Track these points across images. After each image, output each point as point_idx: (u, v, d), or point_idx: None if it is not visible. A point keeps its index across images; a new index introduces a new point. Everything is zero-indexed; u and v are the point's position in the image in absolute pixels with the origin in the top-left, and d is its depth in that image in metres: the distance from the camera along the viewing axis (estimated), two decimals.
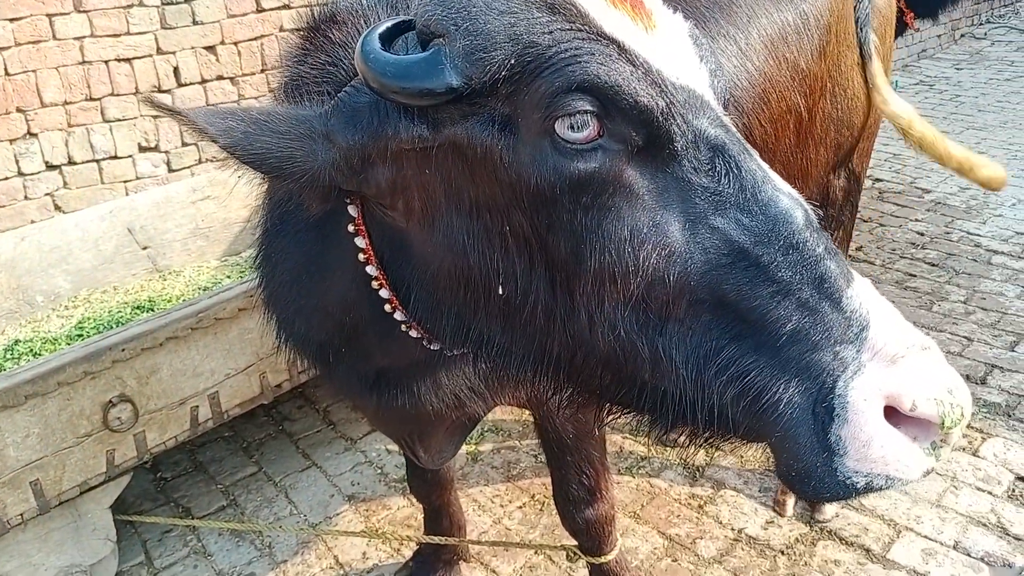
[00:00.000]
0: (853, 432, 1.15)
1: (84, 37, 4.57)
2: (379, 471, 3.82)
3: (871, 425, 1.14)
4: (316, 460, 3.93)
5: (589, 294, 1.29)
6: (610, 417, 1.54)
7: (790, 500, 3.39)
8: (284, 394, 3.69)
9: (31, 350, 3.70)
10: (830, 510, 3.34)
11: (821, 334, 1.19)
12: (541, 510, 3.51)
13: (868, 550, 3.16)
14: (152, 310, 3.92)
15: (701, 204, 1.25)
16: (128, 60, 4.76)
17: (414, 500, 3.59)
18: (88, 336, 3.80)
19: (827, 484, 1.19)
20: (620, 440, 3.87)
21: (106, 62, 4.69)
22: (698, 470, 3.66)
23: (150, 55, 4.83)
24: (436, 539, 2.98)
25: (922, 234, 5.67)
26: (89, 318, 4.00)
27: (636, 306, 1.27)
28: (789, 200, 1.27)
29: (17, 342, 3.81)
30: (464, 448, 3.64)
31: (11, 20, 4.32)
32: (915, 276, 5.10)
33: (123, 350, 2.89)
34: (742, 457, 3.70)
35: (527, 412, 4.14)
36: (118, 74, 4.75)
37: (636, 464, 3.73)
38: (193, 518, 3.55)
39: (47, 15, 4.44)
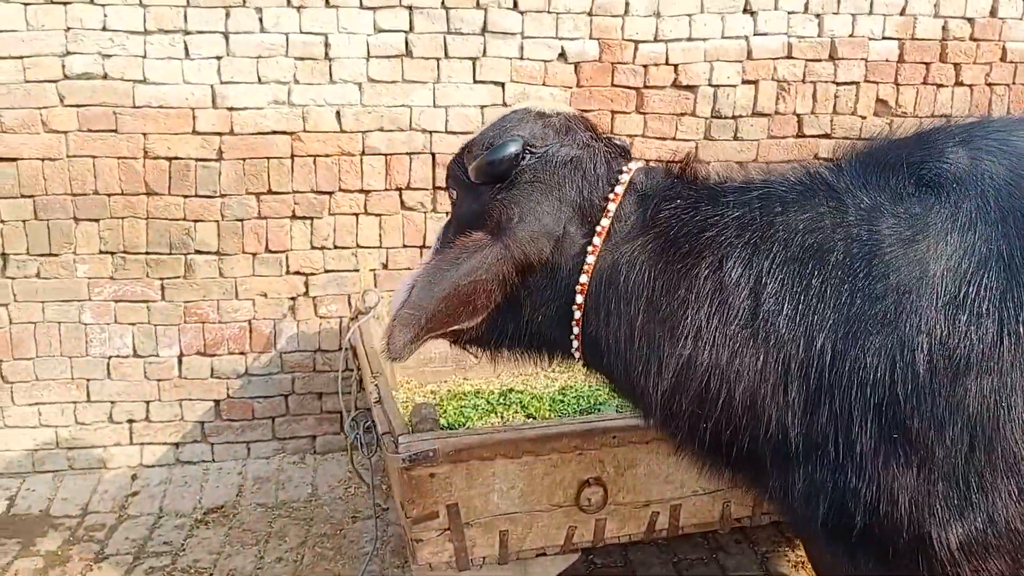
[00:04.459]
0: None
1: (635, 135, 4.97)
2: None
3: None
4: None
5: None
6: None
7: None
8: None
9: (520, 402, 4.04)
10: None
11: None
12: None
13: None
14: None
15: None
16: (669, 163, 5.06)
17: None
18: (568, 404, 4.04)
19: None
20: None
21: (647, 161, 5.04)
22: None
23: None
24: None
25: None
26: (571, 387, 4.26)
27: None
28: None
29: (511, 391, 4.19)
30: None
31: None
32: None
33: (614, 437, 2.95)
34: None
35: None
36: None
37: None
38: None
39: (611, 111, 4.93)
